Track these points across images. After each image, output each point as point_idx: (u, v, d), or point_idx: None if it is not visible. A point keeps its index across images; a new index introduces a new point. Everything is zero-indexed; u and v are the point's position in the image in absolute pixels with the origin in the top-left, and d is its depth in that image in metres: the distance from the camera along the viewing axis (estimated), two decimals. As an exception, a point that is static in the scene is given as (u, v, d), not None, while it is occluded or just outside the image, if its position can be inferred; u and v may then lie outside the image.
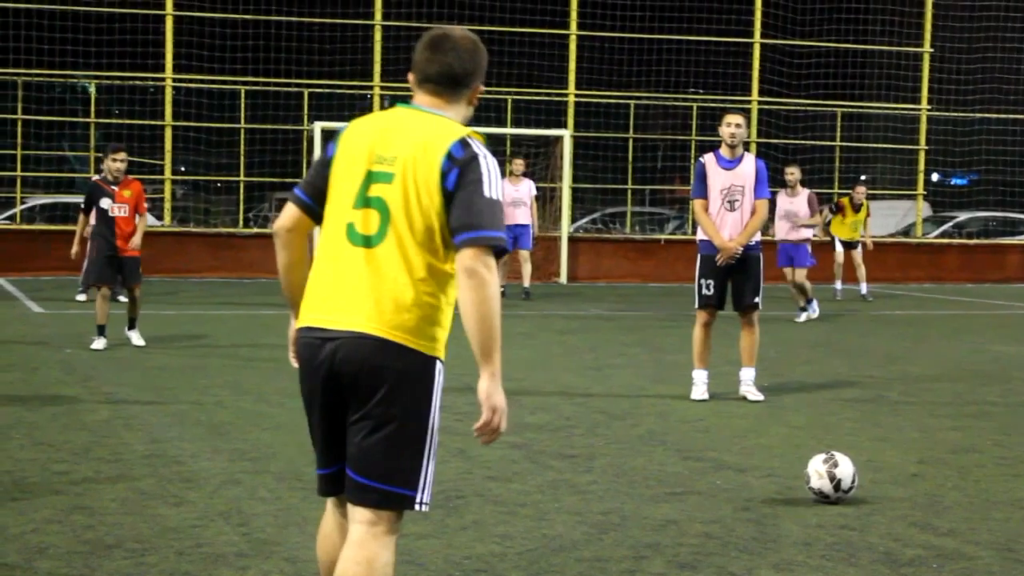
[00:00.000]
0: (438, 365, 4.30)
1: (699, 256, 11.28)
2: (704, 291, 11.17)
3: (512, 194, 21.32)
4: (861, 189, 23.68)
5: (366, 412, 4.20)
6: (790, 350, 14.82)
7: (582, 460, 8.40)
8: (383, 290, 4.19)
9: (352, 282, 4.22)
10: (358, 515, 4.25)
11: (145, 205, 14.63)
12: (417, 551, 6.09)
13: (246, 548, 6.12)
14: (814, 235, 20.27)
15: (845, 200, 23.51)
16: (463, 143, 4.22)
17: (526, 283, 22.62)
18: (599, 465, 8.19)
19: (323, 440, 4.38)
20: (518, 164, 22.49)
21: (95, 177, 14.87)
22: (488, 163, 4.25)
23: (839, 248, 23.57)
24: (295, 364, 4.48)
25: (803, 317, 18.96)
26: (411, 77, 4.41)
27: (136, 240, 14.26)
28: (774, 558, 6.13)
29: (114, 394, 10.89)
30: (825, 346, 15.63)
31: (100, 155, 28.03)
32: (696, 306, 11.25)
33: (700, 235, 11.35)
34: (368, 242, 4.22)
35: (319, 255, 4.34)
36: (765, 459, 8.53)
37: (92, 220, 14.45)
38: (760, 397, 11.15)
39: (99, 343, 14.03)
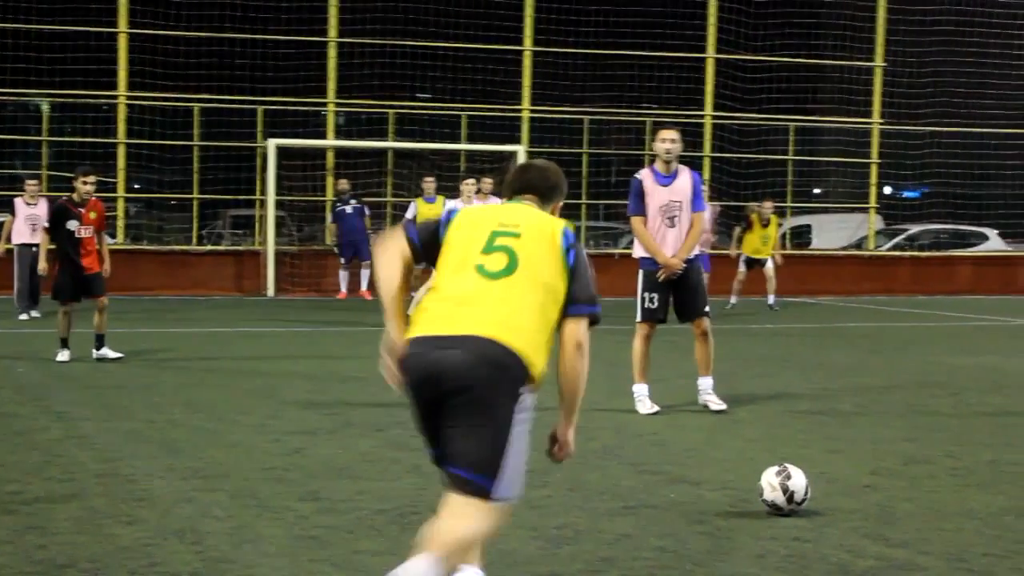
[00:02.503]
0: (529, 388, 5.06)
1: (641, 272, 11.34)
2: (648, 304, 11.22)
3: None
4: (768, 204, 24.32)
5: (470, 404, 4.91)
6: (743, 363, 14.87)
7: (537, 475, 8.38)
8: (504, 311, 4.97)
9: (476, 303, 4.99)
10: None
11: (106, 225, 14.88)
12: (371, 568, 6.09)
13: (200, 567, 6.09)
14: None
15: (754, 215, 24.00)
16: (569, 230, 5.20)
17: None
18: (554, 480, 8.20)
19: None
20: (486, 183, 22.74)
21: (63, 198, 14.94)
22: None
23: (742, 267, 24.15)
24: (390, 367, 5.07)
25: None
26: (506, 191, 5.55)
27: (107, 265, 14.73)
28: (728, 571, 6.16)
29: (66, 413, 10.82)
30: (778, 359, 15.71)
31: (53, 173, 28.08)
32: (638, 319, 11.30)
33: (640, 251, 11.38)
34: (496, 276, 5.04)
35: (441, 290, 5.09)
36: (719, 472, 8.57)
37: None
38: (723, 406, 11.20)
39: (64, 355, 14.28)
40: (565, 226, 5.19)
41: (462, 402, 4.86)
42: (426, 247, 5.22)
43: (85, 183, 14.52)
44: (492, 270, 5.04)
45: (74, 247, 14.47)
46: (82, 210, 14.50)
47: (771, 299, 23.95)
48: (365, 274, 25.59)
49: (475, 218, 5.25)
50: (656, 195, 11.25)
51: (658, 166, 11.39)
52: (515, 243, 5.09)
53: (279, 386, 12.65)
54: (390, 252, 5.21)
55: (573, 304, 5.11)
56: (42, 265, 14.73)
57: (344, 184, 26.24)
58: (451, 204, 21.90)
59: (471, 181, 22.07)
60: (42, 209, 21.16)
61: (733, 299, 24.25)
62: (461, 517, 4.89)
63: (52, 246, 14.90)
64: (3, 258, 21.29)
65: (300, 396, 11.92)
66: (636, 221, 11.32)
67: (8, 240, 21.20)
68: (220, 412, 10.89)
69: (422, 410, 5.02)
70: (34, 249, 20.84)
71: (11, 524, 6.83)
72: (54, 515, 7.06)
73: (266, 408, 11.16)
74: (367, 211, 26.21)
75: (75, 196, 14.55)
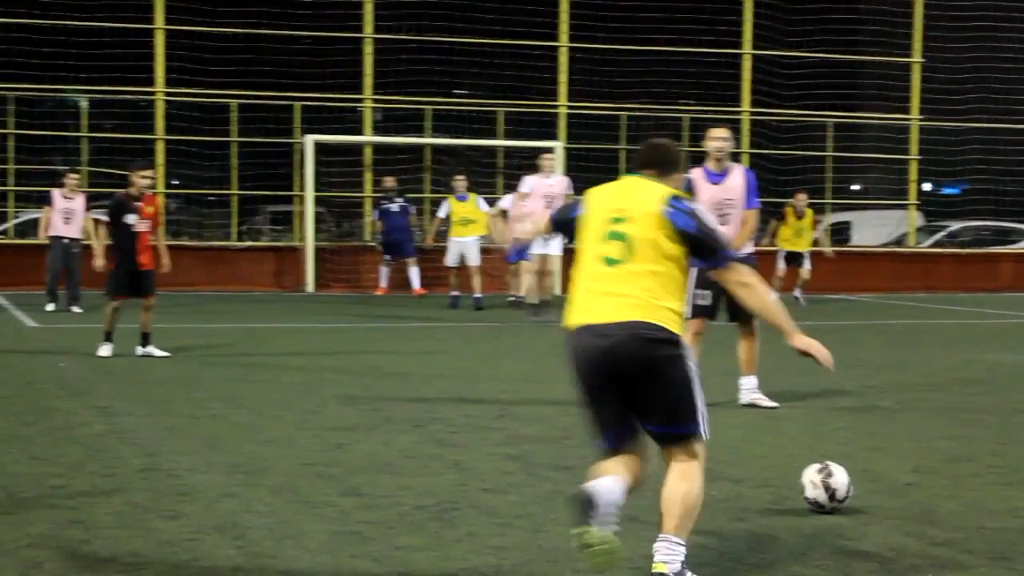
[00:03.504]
0: (680, 340, 5.76)
1: (694, 269, 11.32)
2: (699, 301, 11.19)
3: (523, 209, 21.61)
4: (802, 196, 24.52)
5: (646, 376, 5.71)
6: (783, 360, 14.80)
7: (577, 472, 8.38)
8: (635, 292, 5.72)
9: (612, 290, 5.76)
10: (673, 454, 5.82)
11: (160, 221, 15.21)
12: (412, 563, 6.09)
13: (242, 562, 6.11)
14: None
15: (788, 208, 24.20)
16: (675, 196, 5.87)
17: (521, 292, 22.92)
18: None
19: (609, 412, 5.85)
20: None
21: (120, 192, 15.01)
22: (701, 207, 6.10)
23: (781, 264, 24.26)
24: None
25: None
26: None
27: (166, 260, 14.95)
28: (769, 568, 6.13)
29: (109, 408, 10.88)
30: (818, 356, 15.61)
31: (92, 169, 28.24)
32: (688, 316, 11.27)
33: None
34: (618, 263, 5.78)
35: (581, 278, 5.90)
36: (759, 469, 8.54)
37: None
38: (774, 404, 11.19)
39: (106, 349, 14.38)
40: (669, 196, 5.85)
41: (635, 375, 5.66)
42: (560, 224, 6.37)
43: (144, 177, 14.70)
44: (615, 258, 5.79)
45: (131, 241, 14.57)
46: (139, 204, 14.62)
47: (798, 292, 24.25)
48: (414, 272, 25.53)
49: (597, 204, 6.03)
50: (707, 193, 11.23)
51: (709, 164, 11.39)
52: (627, 229, 5.80)
53: (319, 382, 12.69)
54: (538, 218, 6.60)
55: (712, 259, 5.87)
56: (100, 262, 14.69)
57: (391, 182, 26.06)
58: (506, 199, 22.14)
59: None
60: (79, 203, 21.36)
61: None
62: (682, 478, 5.71)
63: (108, 241, 14.92)
64: (36, 248, 21.57)
65: (340, 392, 11.95)
66: None
67: (46, 231, 21.41)
68: (261, 407, 10.92)
69: (589, 396, 5.81)
70: (65, 241, 21.11)
71: (54, 519, 6.87)
72: (96, 510, 7.09)
73: (306, 403, 11.18)
74: (412, 210, 26.18)
75: (133, 190, 14.65)
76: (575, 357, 5.78)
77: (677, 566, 5.62)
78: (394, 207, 25.41)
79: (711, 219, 5.94)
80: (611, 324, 5.67)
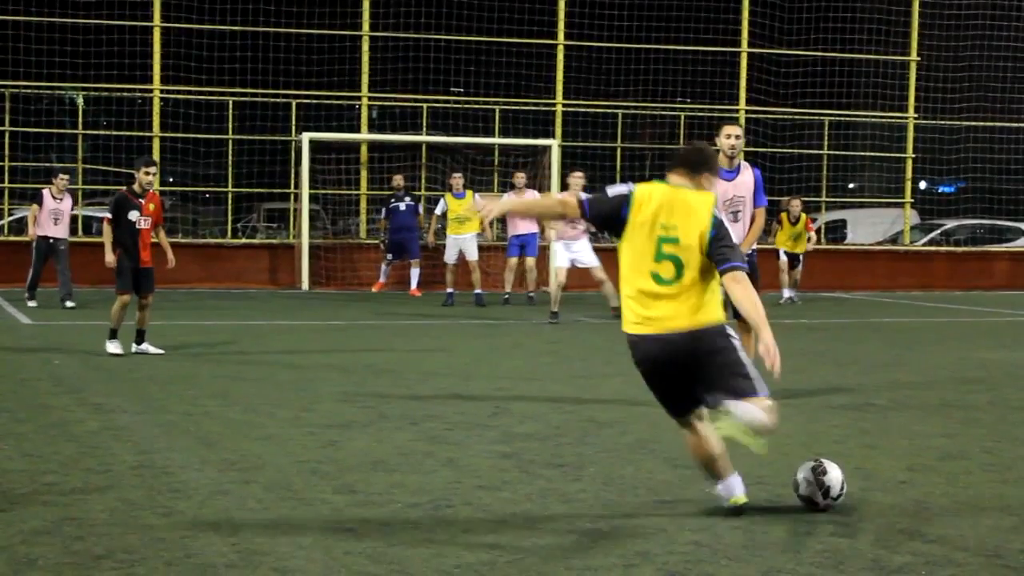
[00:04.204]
0: (724, 327, 6.88)
1: None
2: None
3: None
4: (795, 203, 25.16)
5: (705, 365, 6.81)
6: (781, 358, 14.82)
7: (571, 469, 8.41)
8: (687, 304, 6.77)
9: (666, 305, 6.77)
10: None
11: (163, 218, 15.31)
12: (406, 560, 6.09)
13: (236, 559, 6.11)
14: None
15: (783, 214, 24.83)
16: (717, 219, 6.79)
17: (531, 289, 23.42)
18: (588, 474, 8.20)
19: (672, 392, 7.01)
20: (519, 177, 23.38)
21: (122, 189, 14.99)
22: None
23: (783, 257, 24.78)
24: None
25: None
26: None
27: (171, 256, 15.15)
28: (763, 565, 6.13)
29: (103, 405, 10.87)
30: (813, 354, 15.66)
31: (88, 167, 28.22)
32: None
33: None
34: (670, 282, 6.77)
35: (633, 287, 6.86)
36: (754, 467, 8.52)
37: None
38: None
39: (116, 346, 14.38)
40: (713, 207, 6.81)
41: (698, 364, 6.75)
42: (600, 216, 6.99)
43: (148, 174, 14.70)
44: (666, 278, 6.75)
45: (133, 238, 14.58)
46: (142, 201, 14.63)
47: (792, 293, 24.57)
48: (414, 273, 25.48)
49: (646, 211, 6.78)
50: (720, 189, 11.24)
51: (721, 161, 11.40)
52: (677, 250, 6.73)
53: (313, 379, 12.69)
54: (554, 195, 7.28)
55: (725, 263, 6.72)
56: (109, 258, 14.61)
57: (399, 180, 25.87)
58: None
59: (521, 175, 23.56)
60: (66, 204, 21.53)
61: (785, 292, 24.66)
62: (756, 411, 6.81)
63: (111, 238, 14.85)
64: (30, 245, 21.66)
65: (334, 389, 11.95)
66: None
67: (34, 229, 21.52)
68: (255, 405, 10.92)
69: (655, 385, 6.98)
70: (51, 241, 21.25)
71: (48, 515, 6.87)
72: (90, 506, 7.09)
73: (301, 401, 11.18)
74: (420, 209, 26.10)
75: (135, 187, 14.66)
76: (640, 359, 6.89)
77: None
78: (402, 206, 25.24)
79: (733, 235, 6.90)
80: (671, 334, 6.75)
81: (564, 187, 21.14)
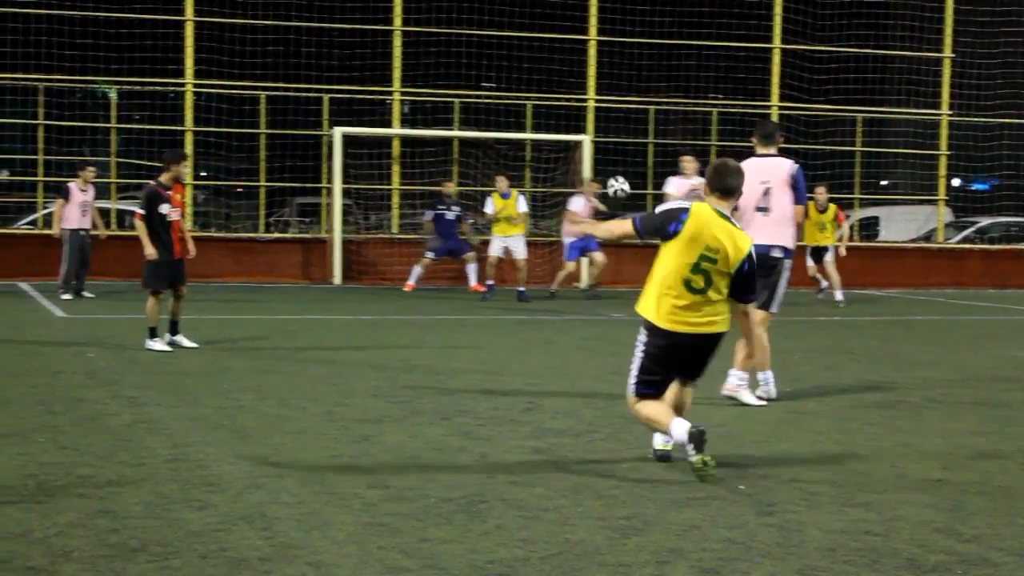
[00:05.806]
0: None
1: None
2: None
3: (586, 205, 22.12)
4: (821, 190, 24.26)
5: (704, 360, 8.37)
6: (810, 355, 14.79)
7: (604, 465, 8.40)
8: (710, 311, 8.14)
9: (696, 309, 8.10)
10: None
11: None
12: (439, 555, 6.09)
13: (269, 552, 6.12)
14: None
15: (810, 203, 24.01)
16: (751, 250, 8.19)
17: (590, 281, 23.81)
18: (621, 470, 8.19)
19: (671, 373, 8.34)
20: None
21: (151, 183, 15.03)
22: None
23: (810, 262, 24.04)
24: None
25: None
26: (707, 188, 8.35)
27: (191, 246, 15.05)
28: (797, 564, 6.11)
29: (136, 398, 10.92)
30: (847, 351, 15.60)
31: (121, 160, 28.34)
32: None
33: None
34: (699, 291, 8.10)
35: (666, 286, 8.11)
36: (788, 464, 8.52)
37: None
38: (758, 402, 11.16)
39: (159, 343, 14.45)
40: (749, 248, 8.12)
41: (702, 359, 8.30)
42: (650, 231, 8.24)
43: (186, 167, 14.88)
44: (696, 287, 8.05)
45: (166, 231, 14.66)
46: (170, 193, 14.71)
47: (838, 295, 23.62)
48: (471, 268, 25.18)
49: (697, 231, 8.06)
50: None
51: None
52: (712, 269, 8.04)
53: (346, 374, 12.70)
54: (616, 225, 8.64)
55: (743, 295, 8.29)
56: (151, 250, 14.62)
57: (450, 187, 25.56)
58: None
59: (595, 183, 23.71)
60: (91, 196, 21.74)
61: (824, 283, 24.33)
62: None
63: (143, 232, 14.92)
64: (57, 240, 21.83)
65: (367, 384, 11.96)
66: (799, 211, 11.54)
67: (60, 223, 21.71)
68: (288, 399, 10.94)
69: (664, 365, 8.19)
70: (81, 233, 21.44)
71: (83, 508, 6.89)
72: (124, 499, 7.12)
73: (334, 396, 11.20)
74: (467, 218, 25.74)
75: (164, 179, 14.71)
76: (666, 344, 8.12)
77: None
78: (449, 215, 24.81)
79: (755, 271, 8.31)
80: (698, 334, 8.10)
81: (678, 172, 20.72)
